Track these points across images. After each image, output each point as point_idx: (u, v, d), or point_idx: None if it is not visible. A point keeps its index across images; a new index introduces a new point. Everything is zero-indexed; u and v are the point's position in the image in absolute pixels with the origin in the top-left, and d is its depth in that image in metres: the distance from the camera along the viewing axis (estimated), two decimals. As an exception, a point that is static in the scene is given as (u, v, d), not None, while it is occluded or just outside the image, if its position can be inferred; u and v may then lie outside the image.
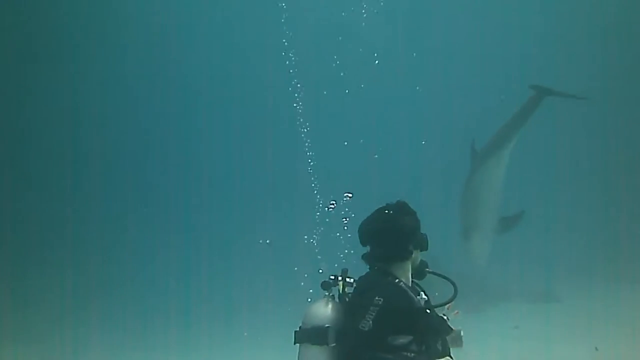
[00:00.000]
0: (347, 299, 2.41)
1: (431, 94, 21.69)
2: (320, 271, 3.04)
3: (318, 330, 2.29)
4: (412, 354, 2.17)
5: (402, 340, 2.18)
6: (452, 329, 2.36)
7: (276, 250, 15.29)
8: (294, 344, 2.38)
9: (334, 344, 2.26)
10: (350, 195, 3.71)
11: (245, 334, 10.65)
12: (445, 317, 2.40)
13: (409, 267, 2.49)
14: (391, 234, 2.46)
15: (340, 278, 2.46)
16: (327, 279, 2.46)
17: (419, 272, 2.55)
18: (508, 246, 12.07)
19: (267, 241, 14.67)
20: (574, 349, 7.67)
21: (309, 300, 2.53)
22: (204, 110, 23.58)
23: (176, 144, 22.75)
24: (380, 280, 2.36)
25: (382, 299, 2.21)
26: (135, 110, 22.67)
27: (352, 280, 2.48)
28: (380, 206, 2.58)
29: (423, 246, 2.54)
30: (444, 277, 2.55)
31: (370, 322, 2.16)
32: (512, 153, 11.13)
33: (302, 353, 2.33)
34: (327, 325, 2.29)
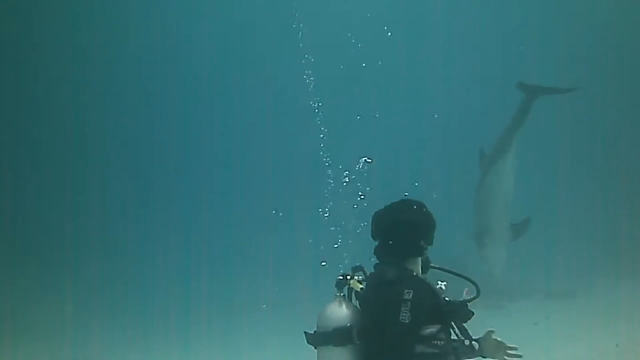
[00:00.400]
0: (363, 296, 2.43)
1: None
2: (324, 264, 3.03)
3: (340, 330, 2.30)
4: (442, 342, 2.26)
5: (432, 329, 2.25)
6: (472, 312, 2.37)
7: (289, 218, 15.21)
8: (315, 347, 2.38)
9: (358, 342, 2.29)
10: (369, 160, 3.68)
11: (264, 305, 10.85)
12: (464, 301, 2.42)
13: (419, 261, 2.55)
14: (408, 230, 2.49)
15: (350, 277, 2.49)
16: (339, 278, 2.47)
17: (424, 266, 2.60)
18: (526, 243, 12.04)
19: (274, 211, 14.58)
20: (594, 346, 7.59)
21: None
22: (208, 78, 23.53)
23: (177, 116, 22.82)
24: (403, 274, 2.39)
25: (411, 292, 2.26)
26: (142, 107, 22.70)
27: (361, 277, 2.52)
28: (395, 201, 2.61)
29: (431, 242, 2.57)
30: (449, 272, 2.61)
31: (409, 313, 2.22)
32: (517, 154, 11.19)
33: (324, 356, 2.34)
34: (348, 324, 2.31)
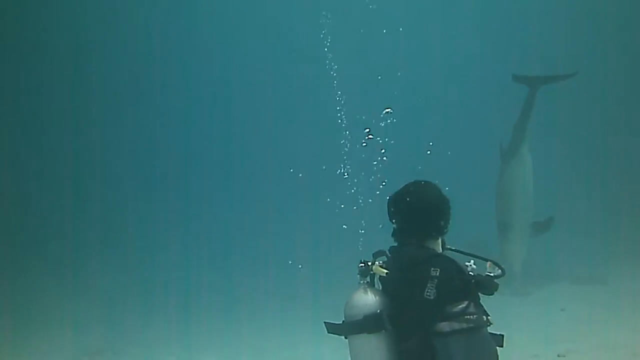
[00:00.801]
0: (388, 281, 2.40)
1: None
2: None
3: (371, 317, 2.28)
4: (474, 316, 2.22)
5: (461, 305, 2.22)
6: (498, 284, 2.34)
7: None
8: (345, 337, 2.36)
9: (390, 327, 2.28)
10: (390, 110, 3.55)
11: (300, 266, 11.09)
12: (490, 274, 2.38)
13: (439, 242, 2.54)
14: (429, 210, 2.48)
15: (371, 263, 2.45)
16: (360, 265, 2.44)
17: (442, 248, 2.59)
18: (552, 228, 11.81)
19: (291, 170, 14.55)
20: (620, 331, 7.30)
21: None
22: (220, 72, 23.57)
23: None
24: (428, 254, 2.38)
25: (438, 270, 2.25)
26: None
27: (381, 262, 2.46)
28: (410, 182, 2.58)
29: (449, 222, 2.56)
30: (466, 254, 2.57)
31: (434, 290, 2.22)
32: (530, 147, 11.08)
33: (357, 344, 2.32)
34: (378, 310, 2.30)
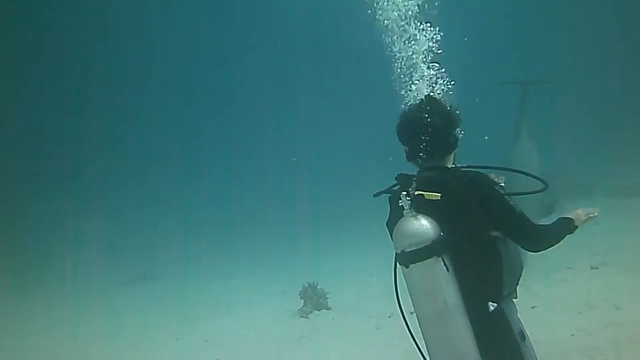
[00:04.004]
0: (437, 206, 2.31)
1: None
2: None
3: (438, 241, 2.25)
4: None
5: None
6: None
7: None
8: (407, 267, 2.31)
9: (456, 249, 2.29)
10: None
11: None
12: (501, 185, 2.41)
13: (453, 158, 2.53)
14: (443, 124, 2.43)
15: (410, 190, 2.37)
16: (403, 194, 2.34)
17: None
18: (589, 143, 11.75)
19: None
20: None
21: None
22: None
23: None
24: (467, 174, 2.38)
25: (494, 187, 2.32)
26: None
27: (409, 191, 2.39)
28: (413, 103, 2.52)
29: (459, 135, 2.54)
30: (477, 167, 2.52)
31: (514, 202, 2.30)
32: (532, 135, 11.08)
33: (422, 271, 2.29)
34: (441, 233, 2.27)
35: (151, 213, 15.94)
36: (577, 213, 2.53)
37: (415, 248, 2.27)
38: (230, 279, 9.83)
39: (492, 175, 2.50)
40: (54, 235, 13.28)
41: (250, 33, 25.98)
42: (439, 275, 2.27)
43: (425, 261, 2.26)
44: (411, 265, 2.30)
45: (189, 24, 24.83)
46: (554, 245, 2.42)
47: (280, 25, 24.99)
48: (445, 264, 2.25)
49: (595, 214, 2.56)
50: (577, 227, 2.48)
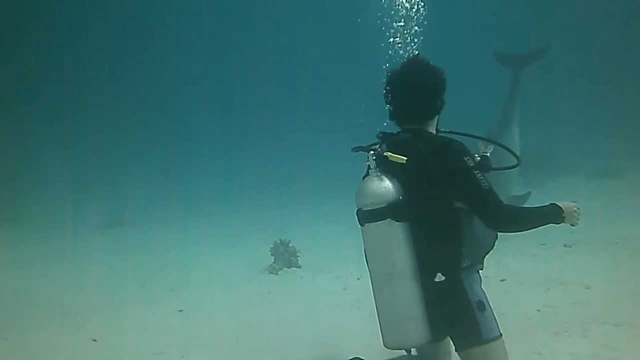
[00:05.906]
0: (405, 168, 2.29)
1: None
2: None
3: (396, 204, 2.24)
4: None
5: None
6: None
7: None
8: (362, 225, 2.30)
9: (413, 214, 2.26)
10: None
11: None
12: (486, 154, 2.36)
13: (435, 122, 2.50)
14: (429, 89, 2.40)
15: (378, 150, 2.36)
16: (371, 152, 2.35)
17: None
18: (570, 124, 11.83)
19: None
20: (632, 222, 7.33)
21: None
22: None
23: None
24: (446, 142, 2.32)
25: (469, 158, 2.25)
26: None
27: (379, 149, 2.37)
28: (407, 60, 2.47)
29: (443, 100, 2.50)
30: (459, 134, 2.53)
31: (484, 178, 2.23)
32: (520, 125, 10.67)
33: (375, 232, 2.27)
34: (401, 197, 2.26)
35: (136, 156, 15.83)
36: (569, 205, 2.42)
37: (371, 208, 2.26)
38: (206, 230, 9.84)
39: (480, 144, 2.44)
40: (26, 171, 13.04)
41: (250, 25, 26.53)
42: (391, 238, 2.24)
43: (378, 222, 2.24)
44: (365, 224, 2.29)
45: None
46: (522, 230, 2.37)
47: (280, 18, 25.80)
48: (398, 228, 2.21)
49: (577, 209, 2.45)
50: (564, 218, 2.39)
